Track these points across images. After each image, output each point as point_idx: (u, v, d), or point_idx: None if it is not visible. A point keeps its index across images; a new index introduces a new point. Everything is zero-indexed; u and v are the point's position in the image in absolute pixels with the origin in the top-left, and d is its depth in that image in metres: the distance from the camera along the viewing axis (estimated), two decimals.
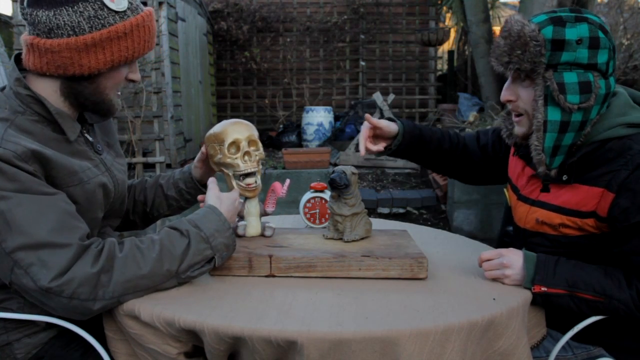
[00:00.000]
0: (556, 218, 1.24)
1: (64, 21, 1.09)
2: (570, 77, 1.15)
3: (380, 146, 1.46)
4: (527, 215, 1.31)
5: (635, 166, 1.12)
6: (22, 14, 1.13)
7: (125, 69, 1.20)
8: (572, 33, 1.13)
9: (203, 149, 1.40)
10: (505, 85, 1.27)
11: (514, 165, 1.42)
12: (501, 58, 1.21)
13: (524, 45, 1.16)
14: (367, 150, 1.44)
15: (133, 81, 1.24)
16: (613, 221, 1.15)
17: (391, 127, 1.46)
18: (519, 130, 1.28)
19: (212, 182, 1.30)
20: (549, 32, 1.14)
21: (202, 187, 1.50)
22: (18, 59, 1.19)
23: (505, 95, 1.26)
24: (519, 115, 1.27)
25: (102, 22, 1.10)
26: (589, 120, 1.18)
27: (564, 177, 1.22)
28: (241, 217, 1.38)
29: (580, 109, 1.16)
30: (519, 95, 1.24)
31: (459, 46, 8.59)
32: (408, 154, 1.53)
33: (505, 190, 1.45)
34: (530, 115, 1.23)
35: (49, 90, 1.16)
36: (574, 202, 1.21)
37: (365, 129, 1.42)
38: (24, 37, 1.14)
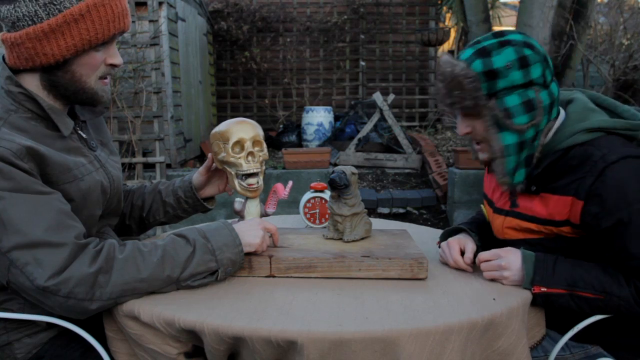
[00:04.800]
0: (531, 226, 1.25)
1: (22, 12, 1.09)
2: (513, 100, 1.17)
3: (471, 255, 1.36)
4: (503, 227, 1.33)
5: (599, 172, 1.13)
6: None
7: (99, 53, 1.16)
8: (499, 60, 1.16)
9: (210, 155, 1.40)
10: (458, 120, 1.29)
11: (489, 181, 1.45)
12: (444, 100, 1.25)
13: (459, 84, 1.18)
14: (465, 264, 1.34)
15: (114, 65, 1.20)
16: (587, 227, 1.17)
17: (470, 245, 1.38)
18: (482, 156, 1.30)
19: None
20: (478, 65, 1.17)
21: (201, 199, 1.50)
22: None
23: (461, 130, 1.28)
24: (479, 142, 1.29)
25: (58, 7, 1.09)
26: (541, 131, 1.21)
27: (533, 188, 1.24)
28: (241, 217, 1.38)
29: (531, 126, 1.19)
30: (473, 126, 1.26)
31: (459, 46, 8.59)
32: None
33: (482, 206, 1.46)
34: (489, 142, 1.25)
35: (32, 86, 1.16)
36: (546, 212, 1.22)
37: (454, 252, 1.31)
38: (0, 36, 1.14)
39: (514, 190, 1.27)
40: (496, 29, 7.46)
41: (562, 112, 1.27)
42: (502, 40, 1.18)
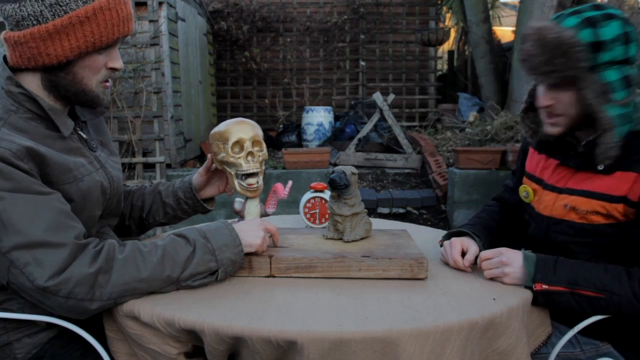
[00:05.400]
0: (586, 203, 1.24)
1: (27, 12, 1.08)
2: (612, 75, 1.16)
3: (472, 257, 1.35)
4: (554, 203, 1.32)
5: None
6: None
7: (101, 56, 1.16)
8: (607, 33, 1.14)
9: (210, 156, 1.40)
10: (541, 91, 1.25)
11: (537, 160, 1.43)
12: (540, 68, 1.20)
13: (565, 53, 1.15)
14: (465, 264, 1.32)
15: (115, 69, 1.20)
16: None
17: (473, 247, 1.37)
18: (554, 129, 1.27)
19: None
20: (586, 35, 1.14)
21: (201, 200, 1.49)
22: (7, 59, 1.18)
23: (544, 101, 1.25)
24: (555, 116, 1.25)
25: (64, 8, 1.08)
26: (637, 108, 1.21)
27: (600, 167, 1.23)
28: (241, 217, 1.38)
29: (629, 101, 1.18)
30: (557, 98, 1.23)
31: (459, 46, 8.59)
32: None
33: (522, 187, 1.43)
34: (569, 116, 1.23)
35: (33, 86, 1.15)
36: (604, 186, 1.22)
37: (455, 251, 1.31)
38: (2, 34, 1.14)
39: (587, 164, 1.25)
40: (496, 29, 7.47)
41: None
42: (607, 13, 1.16)
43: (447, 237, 1.42)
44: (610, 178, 1.21)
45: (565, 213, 1.29)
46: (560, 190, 1.31)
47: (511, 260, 1.20)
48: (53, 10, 1.08)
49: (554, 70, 1.18)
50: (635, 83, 1.18)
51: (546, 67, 1.18)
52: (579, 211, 1.25)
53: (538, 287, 1.16)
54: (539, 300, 1.17)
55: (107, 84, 1.22)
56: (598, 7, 1.19)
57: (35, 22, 1.09)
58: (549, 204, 1.34)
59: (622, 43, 1.14)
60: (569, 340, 1.22)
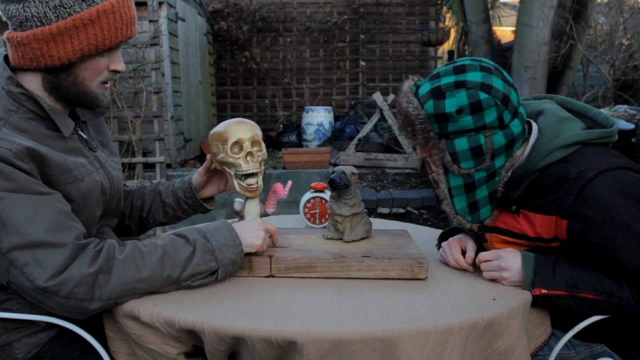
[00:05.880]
0: (523, 242, 1.25)
1: (31, 13, 1.08)
2: (462, 144, 1.16)
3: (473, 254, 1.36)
4: (491, 241, 1.31)
5: (578, 191, 1.12)
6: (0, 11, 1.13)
7: (103, 58, 1.17)
8: (451, 104, 1.13)
9: (209, 156, 1.40)
10: (418, 146, 1.29)
11: None
12: (401, 131, 1.27)
13: (411, 122, 1.19)
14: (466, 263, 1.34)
15: (117, 72, 1.20)
16: (575, 243, 1.16)
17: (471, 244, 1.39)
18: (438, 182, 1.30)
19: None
20: (430, 107, 1.16)
21: (201, 199, 1.50)
22: (7, 59, 1.18)
23: (420, 154, 1.30)
24: (437, 168, 1.28)
25: (68, 10, 1.09)
26: (499, 169, 1.19)
27: (513, 208, 1.24)
28: (241, 217, 1.38)
29: (478, 170, 1.18)
30: (429, 153, 1.26)
31: (459, 46, 8.59)
32: None
33: None
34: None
35: (34, 86, 1.16)
36: (533, 231, 1.22)
37: (456, 251, 1.32)
38: (4, 34, 1.14)
39: (482, 226, 1.27)
40: (496, 29, 7.48)
41: (534, 127, 1.25)
42: (459, 81, 1.14)
43: (442, 237, 1.42)
44: (534, 222, 1.20)
45: (506, 247, 1.27)
46: (493, 230, 1.29)
47: (509, 265, 1.19)
48: (57, 12, 1.08)
49: (407, 136, 1.25)
50: (493, 150, 1.15)
51: (402, 132, 1.26)
52: (519, 245, 1.26)
53: (537, 291, 1.15)
54: (538, 303, 1.17)
55: (107, 85, 1.22)
56: (460, 69, 1.16)
57: (39, 23, 1.09)
58: (490, 246, 1.33)
59: (469, 113, 1.12)
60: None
